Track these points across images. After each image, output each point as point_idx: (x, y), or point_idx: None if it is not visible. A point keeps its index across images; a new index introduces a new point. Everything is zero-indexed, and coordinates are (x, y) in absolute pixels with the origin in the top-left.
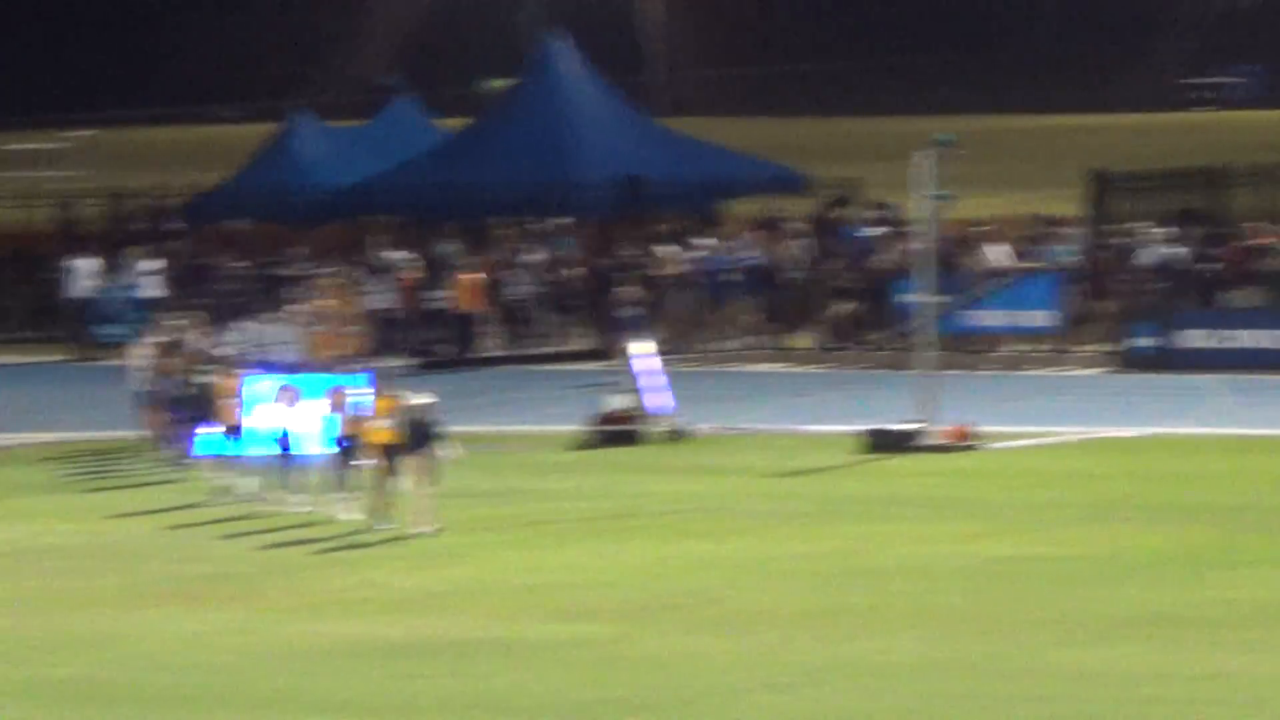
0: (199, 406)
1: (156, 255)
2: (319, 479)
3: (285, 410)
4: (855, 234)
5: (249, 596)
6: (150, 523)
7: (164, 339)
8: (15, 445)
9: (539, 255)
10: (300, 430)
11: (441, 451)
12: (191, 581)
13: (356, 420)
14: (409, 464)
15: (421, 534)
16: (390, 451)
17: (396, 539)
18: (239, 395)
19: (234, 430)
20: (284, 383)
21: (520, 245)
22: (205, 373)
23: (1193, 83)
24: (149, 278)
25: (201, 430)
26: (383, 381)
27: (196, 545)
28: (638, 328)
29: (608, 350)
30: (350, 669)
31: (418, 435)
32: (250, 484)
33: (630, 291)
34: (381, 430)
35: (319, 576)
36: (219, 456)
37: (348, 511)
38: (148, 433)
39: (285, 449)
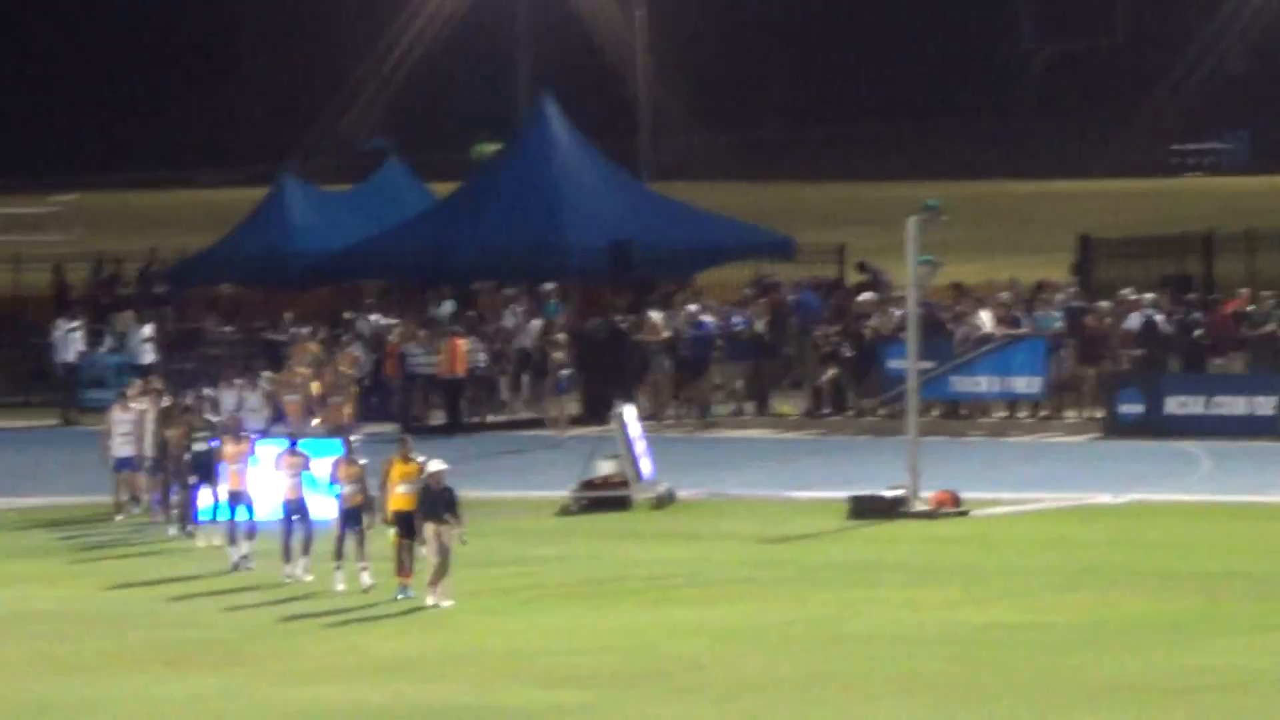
0: (200, 472)
1: (147, 320)
2: (316, 545)
3: (287, 476)
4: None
5: (233, 662)
6: (137, 588)
7: (166, 404)
8: (2, 510)
9: (529, 320)
10: (300, 497)
11: (456, 522)
12: (176, 646)
13: (362, 487)
14: (426, 532)
15: (438, 606)
16: (407, 519)
17: (379, 604)
18: (244, 461)
19: (236, 496)
20: (287, 449)
21: (507, 310)
22: (204, 438)
23: (1181, 149)
24: (144, 343)
25: (201, 495)
26: (402, 447)
27: (183, 610)
28: (568, 390)
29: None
30: None
31: (434, 503)
32: (243, 549)
33: (560, 357)
34: (400, 497)
35: (304, 642)
36: (215, 522)
37: (362, 580)
38: (125, 498)
39: (288, 515)
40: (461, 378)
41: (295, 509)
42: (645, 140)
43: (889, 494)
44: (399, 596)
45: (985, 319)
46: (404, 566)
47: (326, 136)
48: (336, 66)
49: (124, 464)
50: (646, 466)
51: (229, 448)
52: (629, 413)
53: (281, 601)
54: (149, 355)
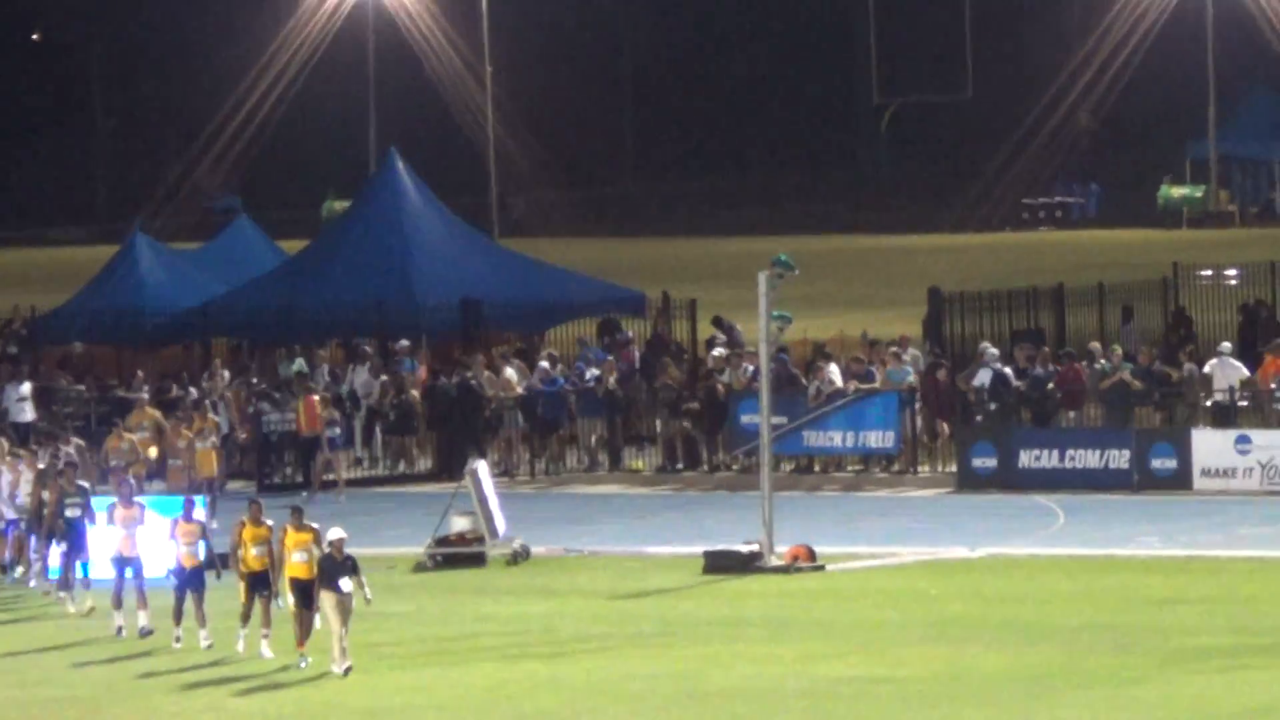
0: (70, 537)
1: (23, 379)
2: (171, 605)
3: (134, 535)
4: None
5: None
6: None
7: (40, 466)
8: None
9: (376, 377)
10: (147, 555)
11: (352, 589)
12: (35, 706)
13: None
14: (324, 602)
15: (333, 673)
16: (304, 587)
17: (238, 662)
18: (134, 525)
19: (124, 561)
20: (129, 506)
21: (355, 366)
22: (76, 503)
23: (1032, 203)
24: (20, 402)
25: (73, 556)
26: (295, 515)
27: (43, 669)
28: (336, 447)
29: (440, 472)
30: None
31: (334, 572)
32: (141, 619)
33: (328, 413)
34: (297, 565)
35: (164, 700)
36: (82, 582)
37: (263, 649)
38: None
39: (120, 569)
40: (316, 434)
41: (127, 563)
42: (494, 196)
43: (744, 549)
44: (300, 665)
45: (836, 374)
46: (302, 635)
47: (176, 194)
48: (187, 123)
49: None
50: (500, 523)
51: (119, 511)
52: (482, 469)
53: (137, 658)
54: (28, 413)
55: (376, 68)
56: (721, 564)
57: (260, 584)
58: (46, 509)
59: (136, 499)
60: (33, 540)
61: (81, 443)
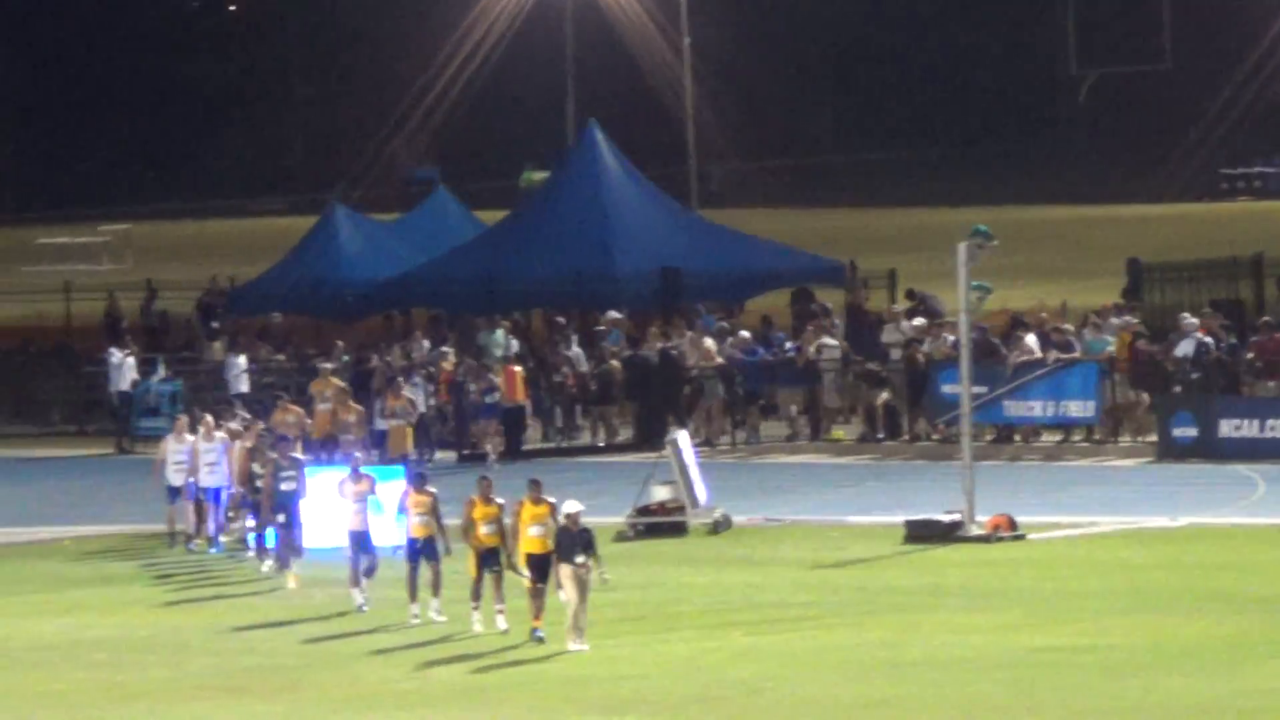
0: (282, 510)
1: (240, 350)
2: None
3: (365, 508)
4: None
5: (296, 688)
6: (196, 615)
7: (250, 438)
8: (58, 539)
9: (580, 348)
10: (370, 527)
11: (590, 564)
12: (238, 674)
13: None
14: (562, 574)
15: (570, 650)
16: (540, 562)
17: (443, 632)
18: (364, 500)
19: (357, 536)
20: (355, 476)
21: (560, 337)
22: (290, 476)
23: (1230, 173)
24: (240, 375)
25: (288, 530)
26: (533, 489)
27: (243, 638)
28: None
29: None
30: None
31: (571, 545)
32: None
33: (400, 398)
34: (532, 540)
35: (367, 668)
36: (286, 550)
37: (499, 622)
38: (184, 526)
39: (360, 546)
40: (521, 405)
41: (360, 539)
42: (693, 167)
43: (945, 518)
44: (535, 639)
45: (1035, 344)
46: (538, 609)
47: (375, 165)
48: (385, 95)
49: (175, 494)
50: (701, 492)
51: (349, 486)
52: (683, 439)
53: (353, 632)
54: (244, 385)
55: (574, 38)
56: (922, 533)
57: (491, 560)
58: (261, 483)
59: (366, 471)
60: (218, 510)
61: (248, 415)
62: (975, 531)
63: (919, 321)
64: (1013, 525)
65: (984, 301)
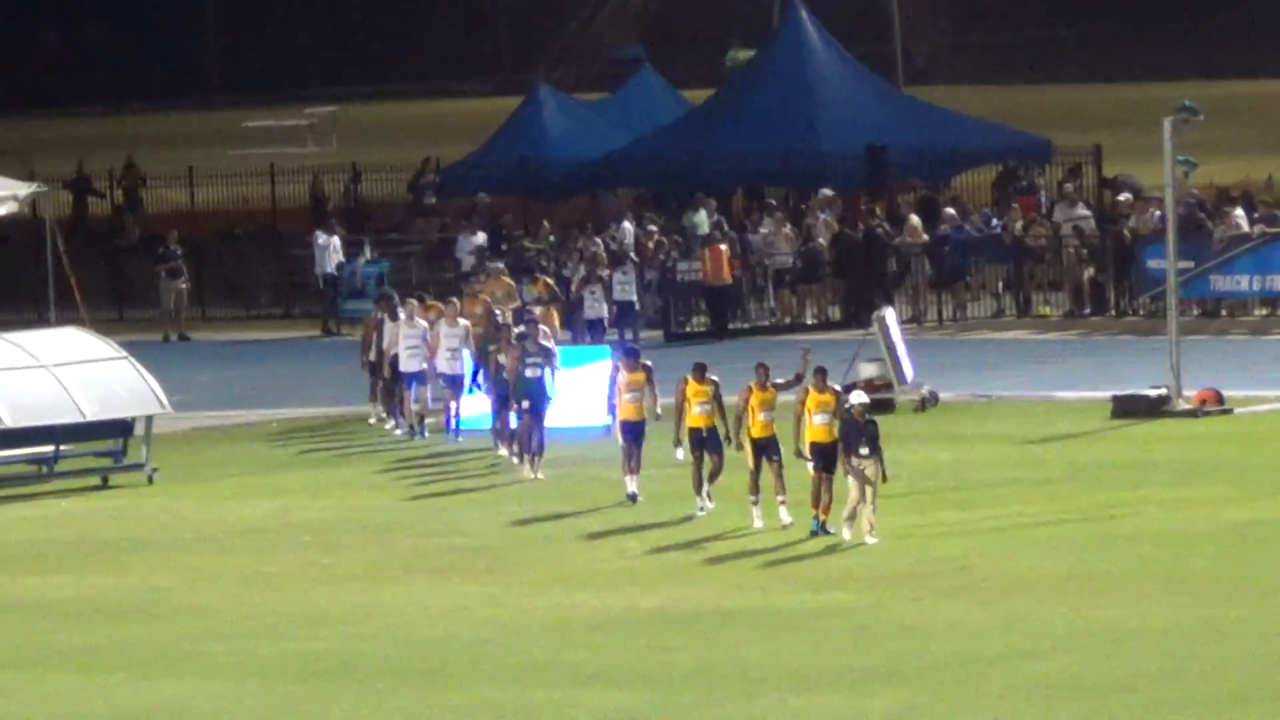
0: (534, 396)
1: (470, 229)
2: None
3: (628, 396)
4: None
5: (500, 569)
6: (399, 497)
7: (495, 324)
8: (263, 420)
9: (787, 227)
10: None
11: (874, 457)
12: (441, 555)
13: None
14: (850, 466)
15: (863, 543)
16: (825, 451)
17: (639, 510)
18: (640, 390)
19: (630, 427)
20: (634, 369)
21: (765, 216)
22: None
23: None
24: (470, 254)
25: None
26: (819, 377)
27: (446, 519)
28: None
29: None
30: (603, 641)
31: (855, 436)
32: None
33: (539, 282)
34: (818, 429)
35: (572, 548)
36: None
37: (782, 515)
38: (390, 407)
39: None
40: (726, 284)
41: (635, 427)
42: (898, 43)
43: (1152, 393)
44: (814, 530)
45: (1243, 218)
46: (820, 499)
47: (580, 45)
48: None
49: (412, 379)
50: (908, 369)
51: (623, 375)
52: (890, 316)
53: (556, 513)
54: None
55: None
56: (1129, 408)
57: (770, 449)
58: (506, 373)
59: (645, 361)
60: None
61: (415, 302)
62: (1182, 406)
63: (1124, 197)
64: (1220, 400)
65: (1190, 176)
